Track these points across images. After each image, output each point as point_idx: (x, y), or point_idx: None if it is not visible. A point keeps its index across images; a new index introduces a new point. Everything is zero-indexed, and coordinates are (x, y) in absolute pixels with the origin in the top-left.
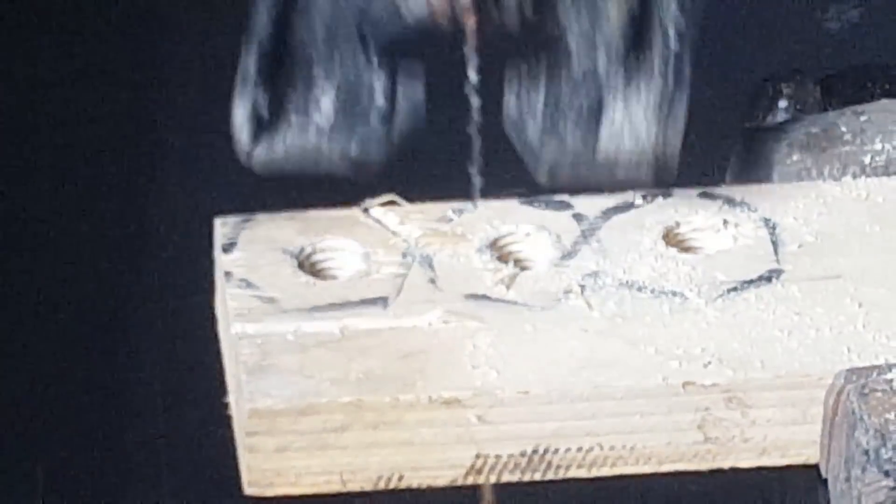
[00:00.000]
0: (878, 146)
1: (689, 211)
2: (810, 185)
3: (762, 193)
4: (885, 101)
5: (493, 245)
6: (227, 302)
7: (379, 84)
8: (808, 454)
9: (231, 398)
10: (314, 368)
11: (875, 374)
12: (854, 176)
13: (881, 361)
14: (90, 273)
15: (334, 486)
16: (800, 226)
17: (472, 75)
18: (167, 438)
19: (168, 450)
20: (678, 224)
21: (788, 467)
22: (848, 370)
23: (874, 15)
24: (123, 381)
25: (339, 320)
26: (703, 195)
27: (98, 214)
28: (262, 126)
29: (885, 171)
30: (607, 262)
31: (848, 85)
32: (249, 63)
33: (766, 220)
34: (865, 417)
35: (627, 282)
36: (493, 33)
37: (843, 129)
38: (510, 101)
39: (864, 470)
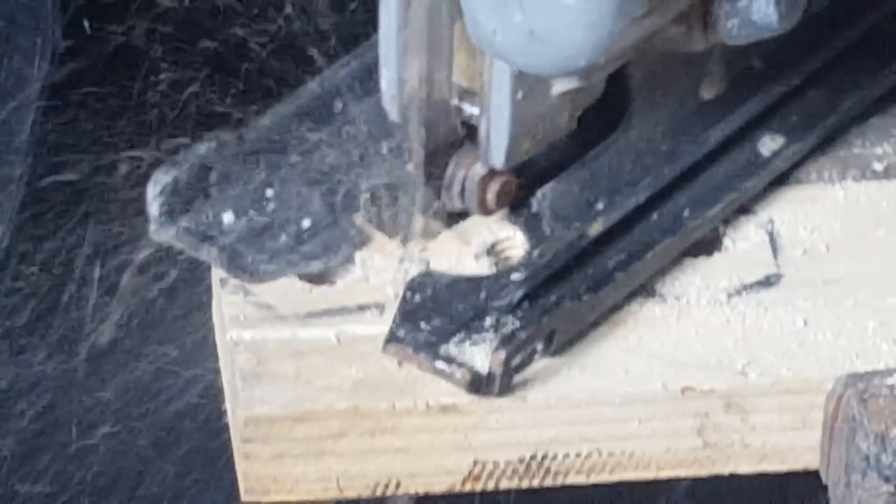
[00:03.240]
0: (880, 150)
1: None
2: (810, 189)
3: (761, 197)
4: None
5: (491, 250)
6: (223, 308)
7: (313, 215)
8: (808, 460)
9: (227, 405)
10: (310, 375)
11: (875, 380)
12: (855, 179)
13: (882, 366)
14: (87, 279)
15: (331, 494)
16: (800, 230)
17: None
18: (163, 446)
19: (164, 457)
20: None
21: (788, 473)
22: (848, 375)
23: None
24: (119, 388)
25: (336, 326)
26: None
27: (96, 219)
28: (174, 204)
29: (886, 174)
30: None
31: None
32: (199, 147)
33: (766, 225)
34: (865, 423)
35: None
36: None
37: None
38: None
39: (864, 476)
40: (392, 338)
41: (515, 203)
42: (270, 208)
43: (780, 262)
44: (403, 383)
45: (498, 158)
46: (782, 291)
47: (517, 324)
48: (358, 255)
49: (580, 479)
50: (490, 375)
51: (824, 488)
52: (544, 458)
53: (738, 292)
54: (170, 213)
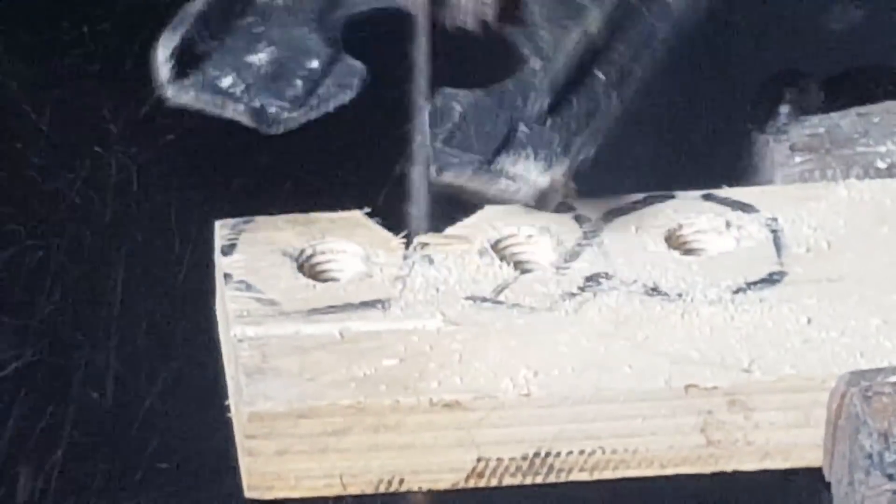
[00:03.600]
0: (883, 148)
1: (691, 213)
2: (814, 187)
3: (765, 195)
4: (889, 103)
5: (495, 247)
6: (227, 304)
7: (318, 54)
8: (811, 457)
9: (231, 401)
10: (314, 371)
11: (879, 377)
12: (858, 177)
13: (885, 364)
14: (91, 274)
15: (334, 490)
16: (803, 228)
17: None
18: (166, 441)
19: (167, 453)
20: (680, 226)
21: (791, 471)
22: (851, 373)
23: (877, 16)
24: (122, 383)
25: (340, 323)
26: (706, 197)
27: (99, 214)
28: (184, 66)
29: (890, 172)
30: (609, 264)
31: (852, 87)
32: (194, 5)
33: (770, 222)
34: (869, 421)
35: (629, 284)
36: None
37: (847, 130)
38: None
39: (867, 473)
40: (441, 164)
41: (511, 18)
42: (276, 55)
43: (784, 260)
44: (407, 380)
45: None
46: (786, 289)
47: (556, 130)
48: (362, 252)
49: (583, 476)
50: (552, 187)
51: (827, 486)
52: (548, 455)
53: (742, 290)
54: (182, 75)
